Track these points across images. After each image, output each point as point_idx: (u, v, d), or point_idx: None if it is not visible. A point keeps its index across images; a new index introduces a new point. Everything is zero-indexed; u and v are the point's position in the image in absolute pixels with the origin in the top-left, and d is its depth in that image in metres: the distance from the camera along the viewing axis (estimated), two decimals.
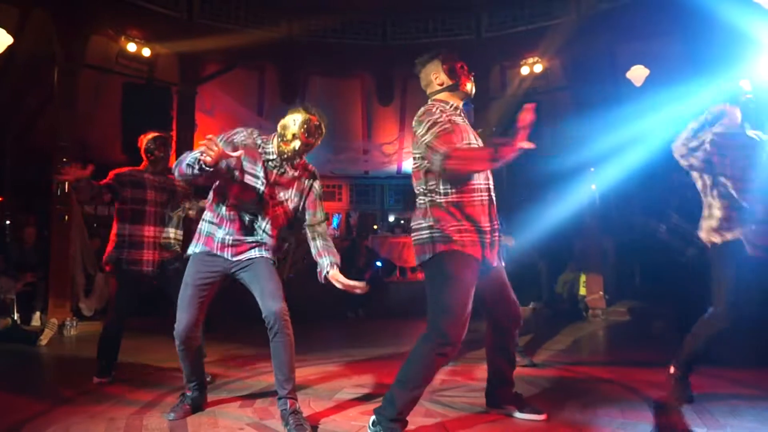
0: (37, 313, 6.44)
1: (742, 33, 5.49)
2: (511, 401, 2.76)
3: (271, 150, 2.73)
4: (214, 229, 2.76)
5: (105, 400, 3.20)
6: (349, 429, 2.64)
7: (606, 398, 3.10)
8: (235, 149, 2.57)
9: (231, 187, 2.70)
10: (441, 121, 2.46)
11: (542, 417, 2.67)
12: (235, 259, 2.73)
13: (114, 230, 3.66)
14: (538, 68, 8.61)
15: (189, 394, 2.91)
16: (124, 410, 2.97)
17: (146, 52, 7.75)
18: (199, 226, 2.82)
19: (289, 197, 2.79)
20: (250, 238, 2.75)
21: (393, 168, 11.81)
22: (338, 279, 2.71)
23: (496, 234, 2.59)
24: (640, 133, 6.44)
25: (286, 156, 2.70)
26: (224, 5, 8.29)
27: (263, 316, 2.66)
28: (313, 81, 10.40)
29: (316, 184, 2.87)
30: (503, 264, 2.71)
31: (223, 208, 2.74)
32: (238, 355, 4.67)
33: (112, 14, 7.30)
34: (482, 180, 2.58)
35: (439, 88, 2.66)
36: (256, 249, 2.76)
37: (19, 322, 6.13)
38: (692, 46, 7.36)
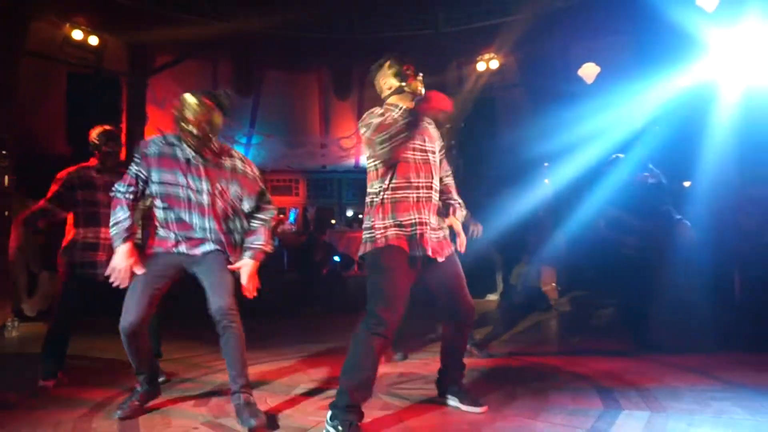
0: None
1: (687, 34, 5.73)
2: (455, 393, 2.83)
3: (185, 146, 2.70)
4: (165, 233, 2.76)
5: (51, 403, 3.06)
6: (306, 424, 2.62)
7: (557, 386, 3.19)
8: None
9: (161, 200, 2.71)
10: (381, 118, 2.57)
11: (481, 410, 2.70)
12: (190, 252, 2.72)
13: (68, 232, 3.50)
14: (494, 64, 8.75)
15: (138, 388, 2.83)
16: (72, 413, 2.85)
17: (93, 40, 7.45)
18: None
19: (223, 187, 2.75)
20: (199, 235, 2.73)
21: (351, 162, 11.78)
22: (244, 272, 2.73)
23: (425, 227, 2.63)
24: (592, 129, 6.62)
25: (194, 146, 2.67)
26: None
27: (211, 312, 2.63)
28: (269, 74, 10.25)
29: (239, 163, 2.82)
30: (454, 258, 2.76)
31: (164, 214, 2.73)
32: (194, 353, 4.57)
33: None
34: (422, 178, 2.65)
35: (388, 92, 2.75)
36: (209, 243, 2.74)
37: None
38: (641, 46, 7.63)
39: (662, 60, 6.40)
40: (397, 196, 2.62)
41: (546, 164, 8.15)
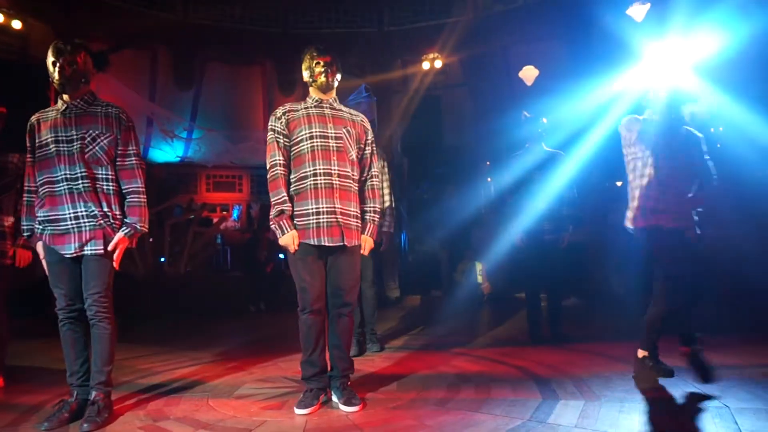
0: None
1: (618, 41, 6.03)
2: (332, 390, 2.88)
3: (58, 103, 2.68)
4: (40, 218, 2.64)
5: None
6: (250, 424, 2.58)
7: (499, 379, 3.29)
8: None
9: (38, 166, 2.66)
10: (272, 129, 2.83)
11: (354, 409, 2.71)
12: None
13: None
14: (438, 64, 8.89)
15: (69, 399, 2.68)
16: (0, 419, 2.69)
17: (16, 24, 6.99)
18: None
19: (94, 133, 2.62)
20: (70, 213, 2.59)
21: None
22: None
23: (322, 216, 2.73)
24: (532, 129, 6.84)
25: (59, 88, 2.64)
26: None
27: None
28: (211, 67, 9.96)
29: (113, 110, 2.71)
30: (357, 246, 2.86)
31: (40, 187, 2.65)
32: (130, 355, 4.39)
33: None
34: (321, 165, 2.75)
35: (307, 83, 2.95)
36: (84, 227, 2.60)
37: None
38: (575, 51, 7.96)
39: (597, 65, 6.71)
40: (299, 187, 2.77)
41: (488, 163, 8.38)
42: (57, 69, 2.59)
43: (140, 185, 2.71)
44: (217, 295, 7.07)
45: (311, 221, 2.73)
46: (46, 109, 2.74)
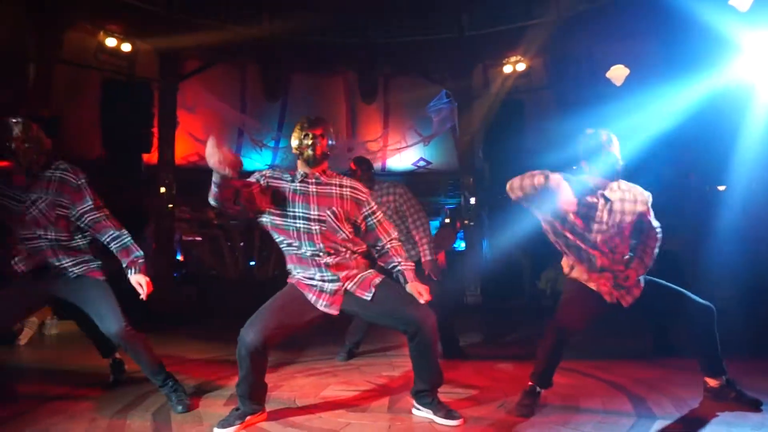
0: None
1: (719, 34, 5.61)
2: (422, 404, 2.81)
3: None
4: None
5: (86, 400, 3.15)
6: (335, 425, 2.63)
7: (587, 392, 3.14)
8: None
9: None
10: (259, 174, 2.79)
11: (455, 423, 2.62)
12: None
13: None
14: (521, 67, 8.70)
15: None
16: (106, 410, 2.94)
17: (126, 47, 7.64)
18: None
19: (40, 198, 2.82)
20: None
21: (377, 165, 11.82)
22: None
23: (327, 284, 2.70)
24: (622, 131, 6.54)
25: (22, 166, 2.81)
26: (204, 1, 8.20)
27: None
28: (296, 78, 10.36)
29: (58, 174, 2.88)
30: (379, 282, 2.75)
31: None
32: (222, 355, 4.63)
33: (89, 8, 7.18)
34: (308, 247, 2.69)
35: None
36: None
37: None
38: (670, 47, 7.50)
39: (693, 61, 6.28)
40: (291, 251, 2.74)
41: (574, 168, 8.05)
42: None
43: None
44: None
45: (315, 284, 2.71)
46: None
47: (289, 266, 2.80)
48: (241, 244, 7.73)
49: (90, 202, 2.88)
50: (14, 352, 5.07)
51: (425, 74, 9.50)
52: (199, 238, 8.51)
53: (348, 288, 2.71)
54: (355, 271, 2.73)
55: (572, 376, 3.57)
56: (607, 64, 7.91)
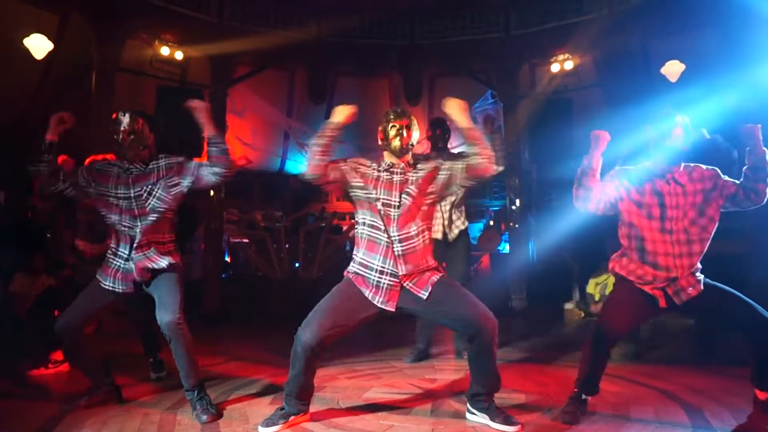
0: None
1: None
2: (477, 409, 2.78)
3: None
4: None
5: (140, 396, 3.29)
6: (378, 427, 2.65)
7: (637, 400, 3.04)
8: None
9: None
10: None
11: (514, 429, 2.59)
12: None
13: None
14: (569, 65, 8.48)
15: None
16: (159, 405, 3.05)
17: (179, 55, 7.94)
18: None
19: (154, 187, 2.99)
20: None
21: None
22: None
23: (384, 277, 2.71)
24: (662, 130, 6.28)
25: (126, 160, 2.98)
26: (253, 8, 8.40)
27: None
28: (342, 81, 10.46)
29: (163, 163, 3.07)
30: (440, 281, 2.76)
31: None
32: (263, 356, 4.72)
33: (146, 19, 7.48)
34: (392, 231, 2.73)
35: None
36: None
37: None
38: (728, 41, 7.14)
39: (754, 56, 5.97)
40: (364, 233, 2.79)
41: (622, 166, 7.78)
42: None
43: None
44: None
45: (372, 278, 2.72)
46: None
47: (355, 253, 2.81)
48: (287, 245, 7.86)
49: (195, 163, 3.06)
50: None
51: (471, 74, 9.40)
52: (246, 240, 8.71)
53: (405, 285, 2.70)
54: (416, 269, 2.71)
55: (620, 384, 3.45)
56: (661, 59, 7.62)
